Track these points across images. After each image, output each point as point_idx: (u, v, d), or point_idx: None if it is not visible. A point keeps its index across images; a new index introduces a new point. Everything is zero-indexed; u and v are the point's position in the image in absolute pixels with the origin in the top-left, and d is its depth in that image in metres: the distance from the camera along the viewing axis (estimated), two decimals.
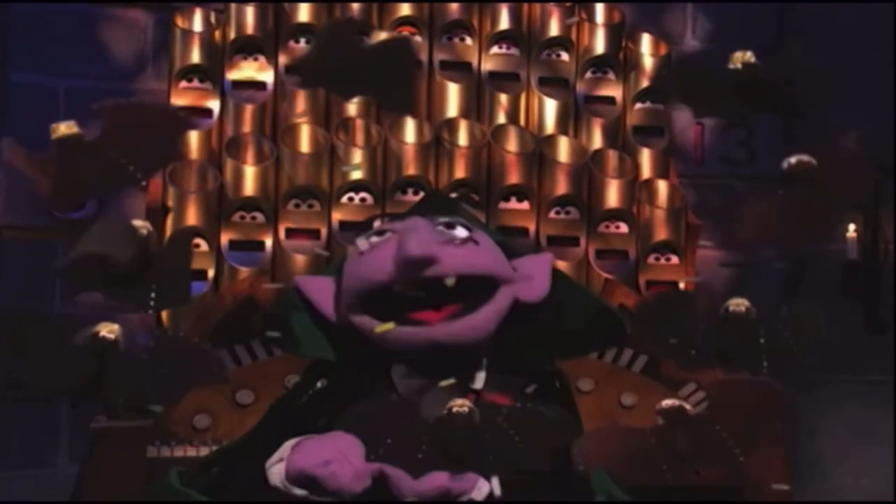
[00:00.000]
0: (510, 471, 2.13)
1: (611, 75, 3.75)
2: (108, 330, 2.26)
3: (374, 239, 2.33)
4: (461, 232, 2.34)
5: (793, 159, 2.57)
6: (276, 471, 2.21)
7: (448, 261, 2.28)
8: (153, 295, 2.27)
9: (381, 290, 2.27)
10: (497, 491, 2.19)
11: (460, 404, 2.11)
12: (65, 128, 2.31)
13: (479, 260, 2.33)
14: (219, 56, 3.55)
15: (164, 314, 3.33)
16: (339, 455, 2.15)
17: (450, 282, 2.27)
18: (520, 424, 2.14)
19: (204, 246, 3.39)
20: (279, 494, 2.19)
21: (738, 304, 2.68)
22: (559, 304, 2.42)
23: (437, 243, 2.29)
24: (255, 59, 3.57)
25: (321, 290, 2.42)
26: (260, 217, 3.44)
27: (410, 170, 3.49)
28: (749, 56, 2.62)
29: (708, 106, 2.74)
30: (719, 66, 2.60)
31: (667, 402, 2.43)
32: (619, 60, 3.75)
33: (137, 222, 2.24)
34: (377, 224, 2.43)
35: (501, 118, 3.65)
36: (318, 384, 2.40)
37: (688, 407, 2.44)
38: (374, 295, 2.28)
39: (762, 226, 2.68)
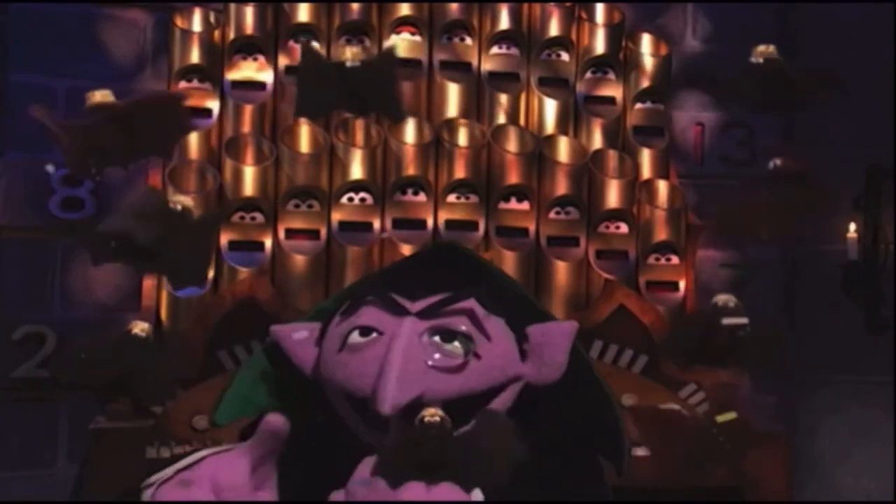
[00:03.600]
0: (482, 480, 2.07)
1: (611, 75, 3.75)
2: (140, 328, 2.28)
3: (357, 338, 2.16)
4: (457, 349, 2.15)
5: (779, 160, 2.59)
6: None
7: (434, 392, 2.11)
8: (170, 272, 2.29)
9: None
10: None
11: (431, 413, 2.06)
12: (100, 96, 2.33)
13: (474, 383, 2.16)
14: (218, 56, 3.55)
15: (164, 314, 3.33)
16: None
17: (430, 413, 2.10)
18: (490, 434, 2.08)
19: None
20: None
21: (726, 299, 2.69)
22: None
23: (425, 371, 2.11)
24: (255, 59, 3.57)
25: (298, 344, 2.29)
26: (259, 217, 3.44)
27: (410, 170, 3.49)
28: (771, 50, 2.63)
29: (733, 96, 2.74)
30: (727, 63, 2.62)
31: (663, 406, 2.43)
32: (619, 60, 3.75)
33: (181, 197, 2.24)
34: (363, 310, 2.20)
35: (501, 118, 3.65)
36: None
37: (685, 411, 2.44)
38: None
39: (746, 223, 2.70)
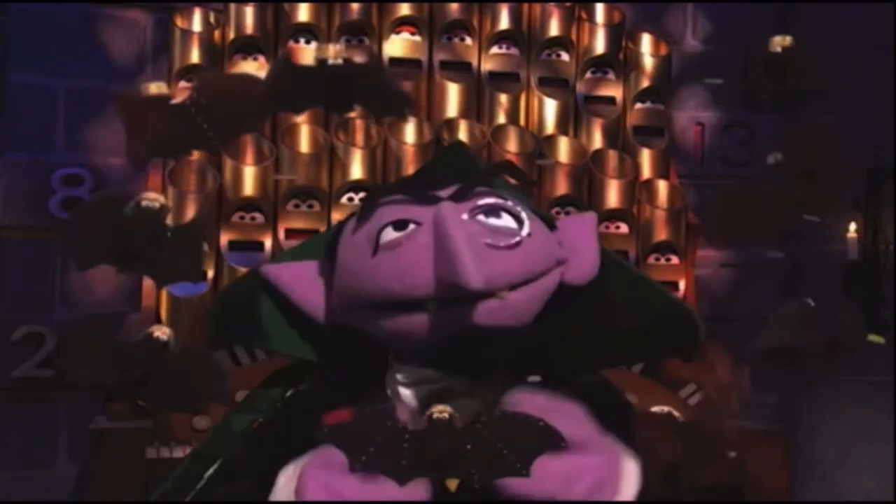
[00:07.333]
0: (493, 478, 2.00)
1: (611, 75, 3.75)
2: (161, 332, 2.25)
3: (393, 234, 1.86)
4: (509, 222, 1.90)
5: (779, 155, 2.58)
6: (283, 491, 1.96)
7: (502, 275, 1.83)
8: (165, 268, 2.26)
9: (414, 303, 1.85)
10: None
11: (440, 410, 2.00)
12: (154, 87, 2.31)
13: (534, 263, 1.90)
14: (218, 56, 3.55)
15: (164, 314, 3.33)
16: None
17: (502, 295, 1.84)
18: (502, 431, 2.02)
19: (204, 246, 3.38)
20: None
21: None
22: (608, 295, 1.97)
23: (486, 250, 1.83)
24: (255, 59, 3.57)
25: (303, 284, 2.00)
26: (259, 217, 3.44)
27: (410, 170, 3.48)
28: (789, 41, 2.63)
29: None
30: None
31: (655, 409, 2.42)
32: (619, 60, 3.75)
33: (151, 195, 2.23)
34: (383, 210, 1.92)
35: (501, 118, 3.65)
36: (287, 393, 2.18)
37: (676, 413, 2.43)
38: (401, 304, 1.87)
39: (744, 221, 2.68)
